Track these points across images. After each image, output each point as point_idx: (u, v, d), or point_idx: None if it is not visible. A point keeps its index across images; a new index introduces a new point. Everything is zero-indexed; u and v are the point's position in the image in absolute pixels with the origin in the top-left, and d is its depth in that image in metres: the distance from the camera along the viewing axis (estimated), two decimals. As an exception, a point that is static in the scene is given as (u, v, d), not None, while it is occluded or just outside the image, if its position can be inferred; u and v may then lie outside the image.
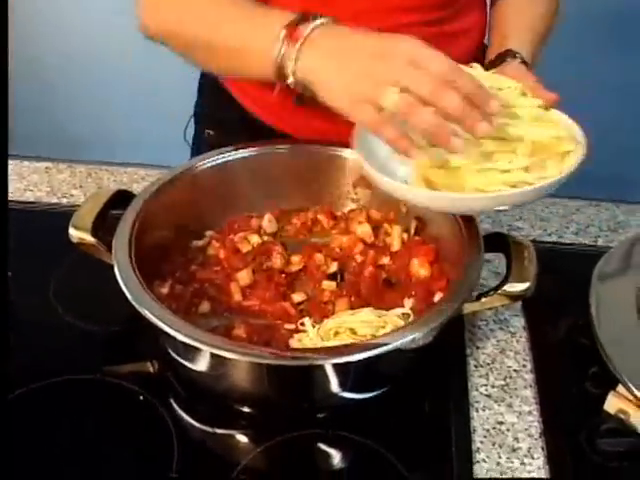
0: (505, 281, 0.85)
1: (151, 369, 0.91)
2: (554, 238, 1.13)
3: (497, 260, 1.06)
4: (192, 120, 1.26)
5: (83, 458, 0.81)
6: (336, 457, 0.83)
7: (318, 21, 0.79)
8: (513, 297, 0.85)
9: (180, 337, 0.75)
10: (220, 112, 1.19)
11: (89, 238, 0.88)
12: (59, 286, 1.00)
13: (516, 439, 0.83)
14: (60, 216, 1.10)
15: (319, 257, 0.97)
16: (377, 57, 0.73)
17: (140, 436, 0.83)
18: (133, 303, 0.79)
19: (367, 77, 0.73)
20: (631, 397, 0.82)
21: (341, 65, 0.76)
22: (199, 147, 1.25)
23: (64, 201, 1.18)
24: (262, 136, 1.09)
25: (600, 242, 1.12)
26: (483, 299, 0.86)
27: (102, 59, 2.27)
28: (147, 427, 0.84)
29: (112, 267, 0.84)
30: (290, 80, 0.80)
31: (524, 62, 0.95)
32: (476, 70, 0.86)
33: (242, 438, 0.85)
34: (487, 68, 0.95)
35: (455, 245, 0.90)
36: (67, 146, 1.70)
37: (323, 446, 0.82)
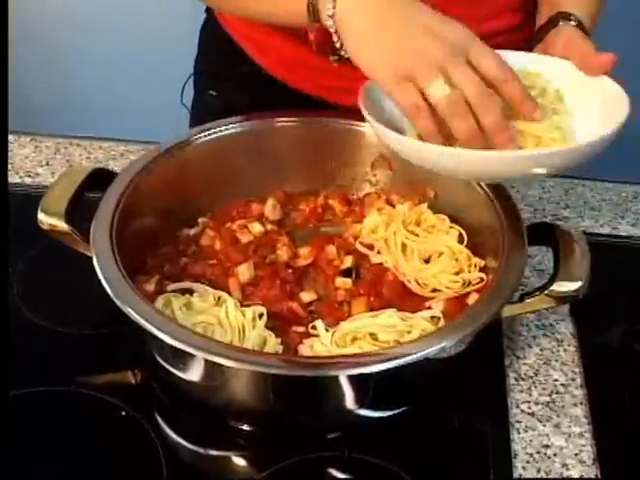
0: (553, 279, 0.85)
1: (133, 380, 0.91)
2: (607, 230, 1.14)
3: (540, 255, 1.06)
4: (190, 81, 1.27)
5: (54, 484, 0.82)
6: (350, 484, 0.83)
7: None
8: (562, 298, 0.86)
9: (171, 341, 0.76)
10: (225, 67, 1.21)
11: (62, 225, 0.88)
12: (24, 281, 1.00)
13: (565, 466, 0.84)
14: (24, 198, 1.12)
15: (331, 250, 0.98)
16: (431, 35, 0.78)
17: (122, 458, 0.83)
18: (116, 301, 0.79)
19: (417, 54, 0.77)
20: (700, 417, 0.82)
21: (388, 28, 0.79)
22: (200, 112, 1.26)
23: (28, 181, 1.18)
24: (273, 94, 1.11)
25: (661, 235, 1.13)
26: (526, 300, 0.86)
27: (71, 7, 2.24)
28: (130, 447, 0.84)
29: (88, 259, 0.84)
30: (326, 23, 0.82)
31: (579, 25, 0.95)
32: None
33: (240, 461, 0.85)
34: (538, 34, 0.97)
35: (493, 237, 0.90)
36: (29, 116, 1.69)
37: (336, 472, 0.83)
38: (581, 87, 0.91)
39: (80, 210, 0.90)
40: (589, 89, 0.91)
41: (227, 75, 1.21)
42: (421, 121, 0.79)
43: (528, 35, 1.15)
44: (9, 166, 1.20)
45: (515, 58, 0.92)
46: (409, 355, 0.76)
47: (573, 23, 0.95)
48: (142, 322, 0.77)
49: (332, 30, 0.82)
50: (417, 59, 0.77)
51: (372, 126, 0.87)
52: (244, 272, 0.93)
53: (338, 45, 0.84)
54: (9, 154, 1.22)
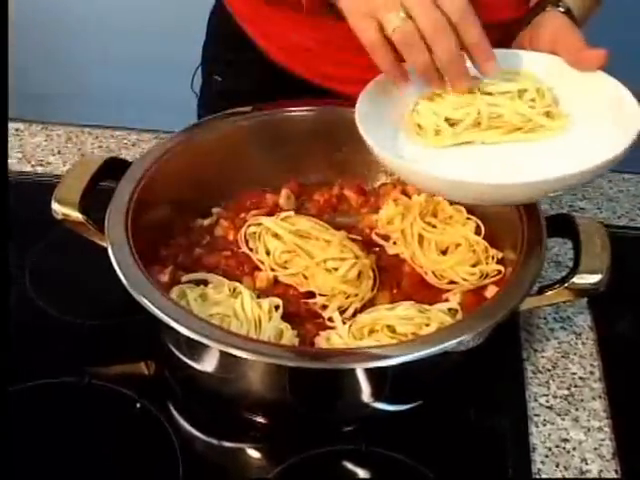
0: (573, 272, 0.84)
1: (146, 371, 0.91)
2: (625, 221, 1.13)
3: (557, 246, 1.06)
4: (200, 69, 1.29)
5: (69, 478, 0.81)
6: (367, 478, 0.83)
7: None
8: (582, 291, 0.85)
9: (187, 333, 0.75)
10: (229, 52, 1.21)
11: (76, 214, 0.87)
12: (36, 271, 1.00)
13: (584, 460, 0.84)
14: (35, 187, 1.12)
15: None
16: None
17: (137, 451, 0.83)
18: (131, 292, 0.79)
19: None
20: None
21: None
22: (205, 97, 1.28)
23: (39, 169, 1.18)
24: (275, 81, 1.11)
25: (680, 226, 1.12)
26: (546, 293, 0.85)
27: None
28: (145, 440, 0.84)
29: (101, 248, 0.84)
30: None
31: (568, 12, 0.93)
32: None
33: (255, 454, 0.85)
34: (525, 17, 0.95)
35: (511, 228, 0.89)
36: (40, 104, 1.69)
37: (352, 465, 0.83)
38: (575, 87, 0.89)
39: (93, 199, 0.90)
40: (586, 89, 0.89)
41: (231, 60, 1.22)
42: (378, 59, 0.83)
43: None
44: (20, 154, 1.19)
45: (500, 56, 0.91)
46: (429, 347, 0.75)
47: (561, 9, 0.93)
48: (158, 313, 0.77)
49: None
50: None
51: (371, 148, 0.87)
52: (262, 280, 0.92)
53: None
54: (20, 142, 1.22)
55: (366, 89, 0.91)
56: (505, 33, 1.10)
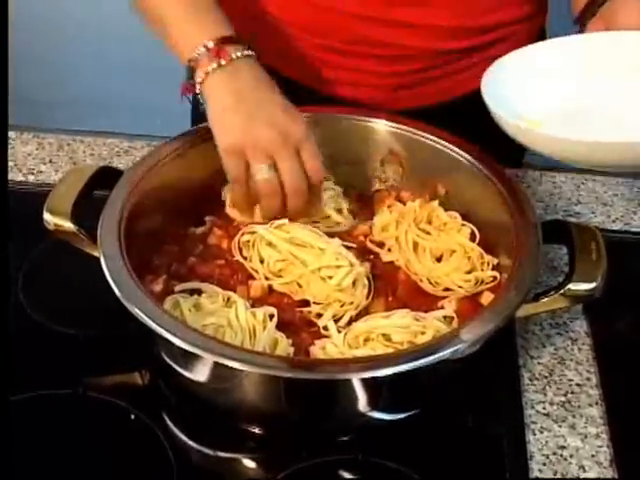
0: (569, 279, 0.84)
1: (141, 382, 0.91)
2: (619, 226, 1.13)
3: (552, 252, 1.05)
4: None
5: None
6: (364, 487, 0.82)
7: (245, 51, 0.92)
8: (577, 298, 0.84)
9: (181, 344, 0.75)
10: None
11: (68, 225, 0.87)
12: (29, 281, 0.99)
13: (582, 467, 0.83)
14: (27, 196, 1.11)
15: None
16: (272, 124, 0.88)
17: (132, 461, 0.83)
18: (124, 301, 0.78)
19: (255, 139, 0.88)
20: None
21: (240, 110, 0.90)
22: (199, 102, 1.27)
23: (31, 178, 1.17)
24: None
25: (675, 230, 1.12)
26: (541, 300, 0.85)
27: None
28: (139, 451, 0.83)
29: (94, 259, 0.84)
30: (196, 84, 0.92)
31: None
32: None
33: (251, 464, 0.85)
34: (588, 10, 0.97)
35: (506, 234, 0.89)
36: (31, 111, 1.69)
37: (348, 475, 0.82)
38: None
39: (86, 208, 0.89)
40: None
41: None
42: (235, 192, 0.93)
43: (540, 24, 1.15)
44: (11, 163, 1.19)
45: (595, 40, 0.93)
46: (427, 357, 0.75)
47: None
48: (151, 324, 0.76)
49: (198, 92, 0.92)
50: (253, 143, 0.88)
51: (495, 114, 0.89)
52: (256, 289, 0.91)
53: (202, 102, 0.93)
54: (12, 151, 1.21)
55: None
56: (508, 34, 1.10)
